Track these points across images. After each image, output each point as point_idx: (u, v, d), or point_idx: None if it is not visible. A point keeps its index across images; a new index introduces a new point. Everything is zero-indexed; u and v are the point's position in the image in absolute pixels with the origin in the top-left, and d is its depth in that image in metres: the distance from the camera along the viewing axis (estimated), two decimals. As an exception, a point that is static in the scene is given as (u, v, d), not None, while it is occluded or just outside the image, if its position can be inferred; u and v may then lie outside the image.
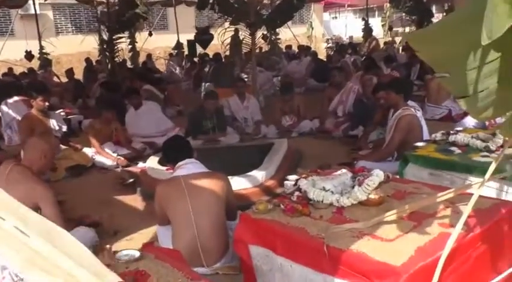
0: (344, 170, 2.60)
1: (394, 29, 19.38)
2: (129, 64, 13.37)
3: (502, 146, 3.08)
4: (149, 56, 14.72)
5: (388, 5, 17.23)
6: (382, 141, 4.48)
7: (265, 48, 13.99)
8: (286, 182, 2.73)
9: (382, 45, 15.28)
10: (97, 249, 2.99)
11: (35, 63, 13.24)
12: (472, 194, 1.60)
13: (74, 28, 18.68)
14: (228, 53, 11.46)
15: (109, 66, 10.88)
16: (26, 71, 11.72)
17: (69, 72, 10.32)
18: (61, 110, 7.54)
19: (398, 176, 3.15)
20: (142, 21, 12.61)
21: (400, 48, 14.18)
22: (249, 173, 4.12)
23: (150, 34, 16.13)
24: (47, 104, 5.44)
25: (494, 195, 2.65)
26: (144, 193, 4.32)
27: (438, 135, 3.57)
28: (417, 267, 1.68)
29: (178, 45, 15.56)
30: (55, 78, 11.98)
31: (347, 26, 24.94)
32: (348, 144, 5.65)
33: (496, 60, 1.21)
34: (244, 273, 2.43)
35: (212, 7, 8.94)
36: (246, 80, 8.95)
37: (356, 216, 2.15)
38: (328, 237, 1.91)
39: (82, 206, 4.06)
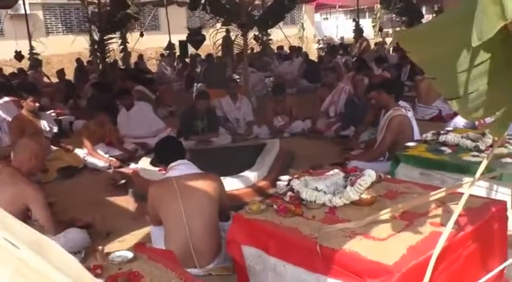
0: (336, 170, 2.61)
1: (384, 30, 19.51)
2: (120, 65, 13.31)
3: (491, 146, 3.12)
4: (141, 56, 14.65)
5: (379, 6, 17.33)
6: (374, 142, 4.51)
7: (257, 49, 14.01)
8: (278, 182, 2.74)
9: (373, 46, 15.37)
10: (89, 251, 2.98)
11: (25, 64, 13.11)
12: (462, 194, 1.62)
13: (64, 28, 18.54)
14: (220, 53, 11.46)
15: (100, 66, 10.83)
16: (15, 72, 11.60)
17: (60, 72, 10.24)
18: (52, 110, 7.49)
19: (389, 176, 3.17)
20: (133, 22, 12.55)
21: (391, 49, 14.29)
22: (242, 174, 4.13)
23: (142, 35, 16.06)
24: (37, 104, 5.40)
25: (484, 194, 2.68)
26: (136, 194, 4.30)
27: (429, 135, 3.60)
28: (409, 266, 1.69)
29: (170, 46, 15.52)
30: (45, 79, 11.87)
31: (338, 27, 25.05)
32: (339, 144, 5.67)
33: (486, 62, 1.22)
34: (237, 274, 2.43)
35: (204, 8, 8.94)
36: (238, 80, 8.94)
37: (348, 216, 2.16)
38: (321, 237, 1.92)
39: (74, 207, 4.04)
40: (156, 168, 4.02)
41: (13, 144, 4.59)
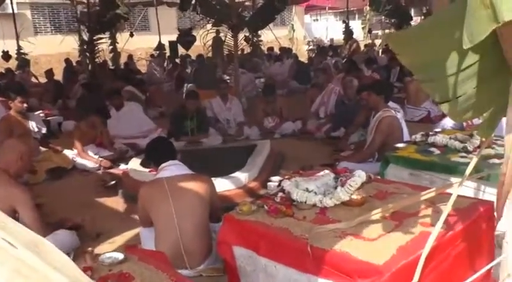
0: (327, 171, 2.62)
1: (373, 32, 19.65)
2: (110, 65, 13.22)
3: (479, 147, 3.16)
4: (130, 57, 14.58)
5: (368, 8, 17.46)
6: (364, 143, 4.55)
7: (247, 50, 14.02)
8: (269, 183, 2.75)
9: (362, 48, 15.47)
10: (78, 253, 2.96)
11: (13, 64, 12.97)
12: (451, 194, 1.64)
13: (53, 28, 18.37)
14: (210, 54, 11.44)
15: (89, 67, 10.74)
16: (3, 72, 11.47)
17: (49, 72, 10.15)
18: (40, 111, 7.41)
19: (379, 177, 3.20)
20: (123, 22, 12.48)
21: (380, 50, 14.40)
22: (232, 175, 4.12)
23: (132, 35, 15.98)
24: (25, 105, 5.35)
25: (472, 194, 2.71)
26: (126, 195, 4.28)
27: (418, 137, 3.64)
28: (399, 265, 1.71)
29: (160, 47, 15.46)
30: (33, 79, 11.75)
31: (328, 28, 25.18)
32: (330, 145, 5.70)
33: (474, 65, 1.24)
34: (228, 275, 2.43)
35: (194, 8, 8.92)
36: (228, 81, 8.95)
37: (339, 217, 2.18)
38: (311, 237, 1.93)
39: (63, 208, 4.00)
40: (147, 169, 4.00)
41: (0, 145, 4.54)
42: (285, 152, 5.39)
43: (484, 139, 2.50)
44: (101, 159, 5.32)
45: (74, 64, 12.44)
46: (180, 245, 2.68)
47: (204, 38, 9.11)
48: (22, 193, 2.91)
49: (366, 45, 16.18)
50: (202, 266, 2.78)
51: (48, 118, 7.22)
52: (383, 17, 15.58)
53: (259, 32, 12.48)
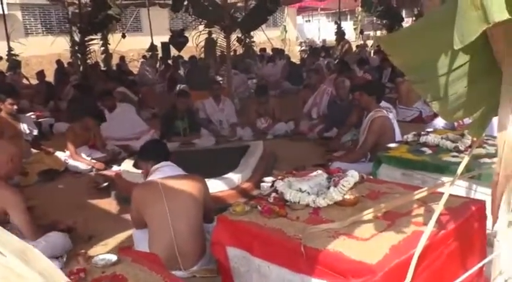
0: (319, 171, 2.63)
1: (365, 33, 19.76)
2: (101, 66, 13.16)
3: (470, 146, 3.19)
4: (122, 58, 14.51)
5: (360, 9, 17.55)
6: (356, 143, 4.57)
7: (240, 51, 14.02)
8: (262, 183, 2.75)
9: (354, 49, 15.54)
10: (71, 255, 2.94)
11: (3, 65, 12.86)
12: (443, 193, 1.65)
13: (44, 29, 18.24)
14: (202, 55, 11.42)
15: (81, 68, 10.68)
16: (-7, 73, 11.36)
17: (40, 74, 10.07)
18: (31, 113, 7.36)
19: (372, 177, 3.21)
20: (115, 23, 12.42)
21: (372, 51, 14.48)
22: (226, 176, 4.13)
23: (124, 36, 15.91)
24: (15, 107, 5.32)
25: (464, 193, 2.73)
26: (119, 197, 4.26)
27: (410, 137, 3.66)
28: (392, 265, 1.72)
29: (152, 48, 15.40)
30: (24, 80, 11.66)
31: (320, 29, 25.28)
32: (322, 145, 5.72)
33: (465, 65, 1.25)
34: (222, 275, 2.43)
35: (186, 10, 8.91)
36: (221, 82, 8.95)
37: (332, 217, 2.18)
38: (305, 237, 1.93)
39: (55, 211, 3.97)
40: (139, 171, 3.99)
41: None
42: (277, 153, 5.40)
43: (475, 139, 2.52)
44: (93, 161, 5.29)
45: (66, 65, 12.36)
46: (174, 246, 2.67)
47: (196, 39, 9.12)
48: (13, 195, 2.88)
49: (357, 46, 16.27)
50: (196, 267, 2.78)
51: (40, 120, 7.16)
52: (375, 18, 15.65)
53: (252, 33, 12.49)
